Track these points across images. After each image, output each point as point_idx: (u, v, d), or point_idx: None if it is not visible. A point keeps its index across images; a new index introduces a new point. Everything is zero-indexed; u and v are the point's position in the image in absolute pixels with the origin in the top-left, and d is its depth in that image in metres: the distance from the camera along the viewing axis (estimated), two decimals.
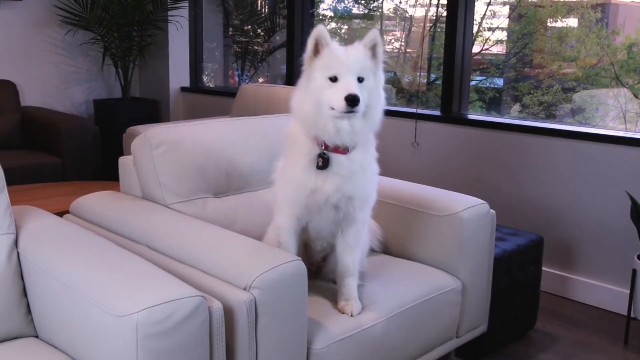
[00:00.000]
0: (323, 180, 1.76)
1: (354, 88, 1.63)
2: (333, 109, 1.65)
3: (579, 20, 3.46)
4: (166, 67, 5.06)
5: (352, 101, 1.61)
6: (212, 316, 1.44)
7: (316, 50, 1.70)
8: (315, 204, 1.79)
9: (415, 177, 3.52)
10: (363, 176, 1.79)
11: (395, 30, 4.46)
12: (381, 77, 1.76)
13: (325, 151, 1.74)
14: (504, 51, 3.91)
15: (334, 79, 1.66)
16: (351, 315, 1.83)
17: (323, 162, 1.75)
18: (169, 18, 4.89)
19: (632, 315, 2.68)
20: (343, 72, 1.65)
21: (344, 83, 1.64)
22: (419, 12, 4.15)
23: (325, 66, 1.67)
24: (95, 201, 2.17)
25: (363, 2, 4.55)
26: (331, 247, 1.97)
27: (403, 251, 2.30)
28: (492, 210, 2.27)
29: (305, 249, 2.00)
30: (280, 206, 1.87)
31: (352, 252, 1.88)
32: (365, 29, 4.59)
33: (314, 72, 1.69)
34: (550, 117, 3.51)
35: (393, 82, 4.39)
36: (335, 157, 1.75)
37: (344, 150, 1.74)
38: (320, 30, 1.68)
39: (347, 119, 1.68)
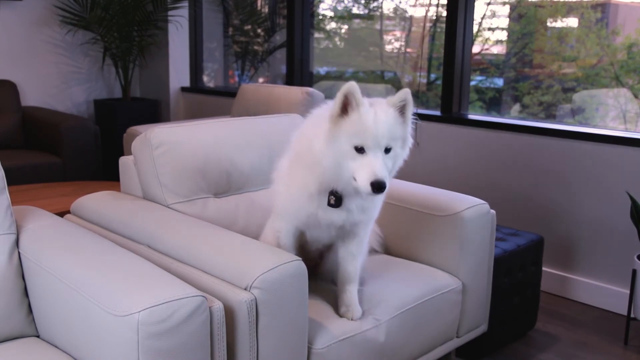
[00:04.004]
0: (331, 212, 1.72)
1: (381, 171, 1.54)
2: (356, 180, 1.58)
3: (579, 20, 3.46)
4: (166, 67, 5.06)
5: (378, 188, 1.54)
6: (213, 316, 1.44)
7: (344, 108, 1.58)
8: (317, 224, 1.78)
9: (415, 177, 3.51)
10: (373, 207, 1.77)
11: (395, 30, 4.46)
12: (409, 140, 1.66)
13: (337, 190, 1.68)
14: (504, 51, 3.91)
15: (360, 150, 1.57)
16: (352, 320, 1.83)
17: (336, 201, 1.69)
18: (169, 18, 4.89)
19: (632, 315, 2.68)
20: (371, 144, 1.55)
21: (371, 161, 1.55)
22: (419, 12, 4.15)
23: (352, 133, 1.56)
24: (96, 201, 2.17)
25: (363, 2, 4.55)
26: (329, 246, 1.97)
27: (403, 251, 2.30)
28: (492, 210, 2.27)
29: (302, 247, 1.99)
30: (280, 214, 1.86)
31: (354, 260, 1.88)
32: (366, 28, 4.60)
33: (340, 136, 1.57)
34: (550, 117, 3.51)
35: (393, 82, 4.40)
36: (348, 197, 1.69)
37: None
38: (351, 87, 1.55)
39: None
